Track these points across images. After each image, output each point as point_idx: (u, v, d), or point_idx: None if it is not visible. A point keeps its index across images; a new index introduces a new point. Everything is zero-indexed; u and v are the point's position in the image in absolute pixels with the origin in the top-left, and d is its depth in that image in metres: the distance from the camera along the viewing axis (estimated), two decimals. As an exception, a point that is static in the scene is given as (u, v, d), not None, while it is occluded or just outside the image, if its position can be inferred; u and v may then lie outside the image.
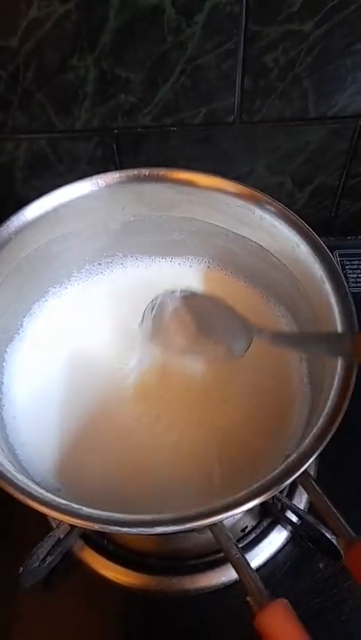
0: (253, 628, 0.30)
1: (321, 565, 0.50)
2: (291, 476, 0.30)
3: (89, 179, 0.45)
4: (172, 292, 0.47)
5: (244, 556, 0.29)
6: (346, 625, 0.48)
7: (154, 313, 0.47)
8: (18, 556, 0.44)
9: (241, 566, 0.29)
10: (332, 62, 0.54)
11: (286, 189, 0.68)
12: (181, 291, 0.47)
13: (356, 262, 0.71)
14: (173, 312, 0.46)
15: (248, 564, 0.29)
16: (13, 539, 0.52)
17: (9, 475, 0.31)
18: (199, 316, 0.46)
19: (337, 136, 0.62)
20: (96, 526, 0.29)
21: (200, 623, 0.48)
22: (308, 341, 0.41)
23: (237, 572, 0.29)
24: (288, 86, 0.56)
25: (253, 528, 0.50)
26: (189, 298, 0.47)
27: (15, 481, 0.31)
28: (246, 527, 0.50)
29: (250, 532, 0.50)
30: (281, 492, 0.49)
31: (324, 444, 0.32)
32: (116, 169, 0.63)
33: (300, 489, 0.52)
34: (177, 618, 0.48)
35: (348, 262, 0.71)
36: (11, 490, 0.30)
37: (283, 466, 0.32)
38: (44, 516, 0.50)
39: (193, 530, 0.30)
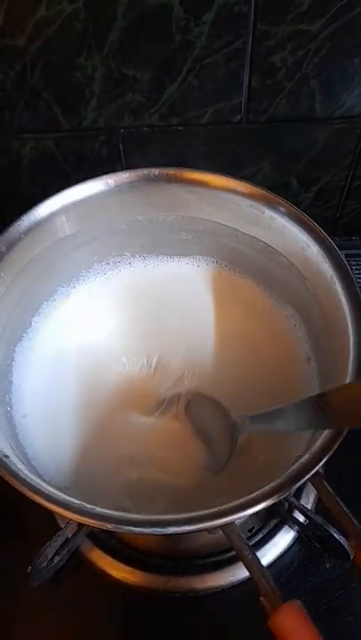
0: (261, 628, 0.30)
1: (328, 566, 0.50)
2: (304, 476, 0.30)
3: (99, 178, 0.45)
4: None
5: (256, 556, 0.29)
6: (353, 625, 0.47)
7: None
8: (25, 556, 0.44)
9: (254, 566, 0.29)
10: (340, 63, 0.54)
11: (292, 189, 0.68)
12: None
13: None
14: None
15: (261, 564, 0.29)
16: (21, 538, 0.52)
17: (22, 474, 0.31)
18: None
19: (343, 136, 0.62)
20: (109, 526, 0.29)
21: (207, 623, 0.48)
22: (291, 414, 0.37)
23: (250, 572, 0.29)
24: (295, 86, 0.56)
25: (261, 528, 0.50)
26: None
27: (29, 481, 0.31)
28: (253, 527, 0.50)
29: (257, 533, 0.50)
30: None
31: (337, 444, 0.32)
32: (122, 168, 0.63)
33: (308, 489, 0.52)
34: (184, 617, 0.48)
35: (353, 262, 0.72)
36: (25, 490, 0.30)
37: (295, 466, 0.32)
38: (52, 515, 0.50)
39: (205, 530, 0.30)
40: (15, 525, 0.52)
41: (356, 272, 0.71)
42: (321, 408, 0.31)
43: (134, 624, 0.48)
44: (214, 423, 0.43)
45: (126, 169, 0.59)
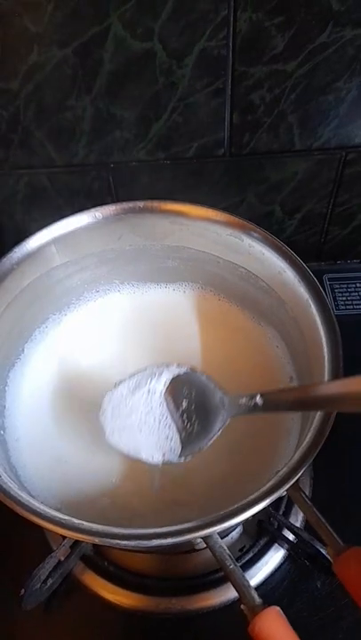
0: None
1: (318, 584, 0.51)
2: (282, 488, 0.31)
3: (87, 211, 0.48)
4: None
5: (237, 566, 0.30)
6: (344, 642, 0.48)
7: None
8: (17, 579, 0.44)
9: (234, 576, 0.30)
10: (315, 99, 0.57)
11: (276, 217, 0.71)
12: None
13: (345, 285, 0.74)
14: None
15: (242, 574, 0.30)
16: (12, 561, 0.52)
17: (12, 492, 0.33)
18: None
19: (323, 166, 0.65)
20: (96, 540, 0.30)
21: (200, 643, 0.48)
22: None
23: (231, 582, 0.30)
24: (274, 121, 0.59)
25: (251, 547, 0.51)
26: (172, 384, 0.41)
27: (17, 496, 0.32)
28: (244, 547, 0.51)
29: (247, 552, 0.51)
30: (277, 510, 0.50)
31: (314, 455, 0.33)
32: (113, 201, 0.66)
33: (296, 507, 0.53)
34: (178, 638, 0.49)
35: (337, 286, 0.74)
36: (11, 503, 0.31)
37: (274, 479, 0.33)
38: (44, 537, 0.51)
39: (192, 543, 0.31)
40: (6, 548, 0.53)
41: (341, 295, 0.73)
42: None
43: (127, 646, 0.49)
44: (202, 402, 0.40)
45: (117, 201, 0.62)
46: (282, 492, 0.31)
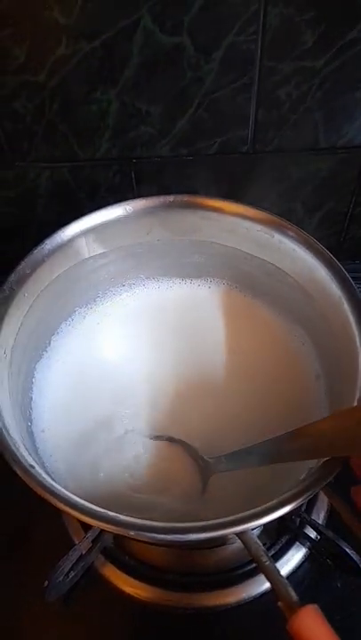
0: None
1: (339, 584, 0.50)
2: (319, 485, 0.31)
3: (118, 204, 0.47)
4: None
5: (273, 563, 0.30)
6: (366, 643, 0.48)
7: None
8: (39, 572, 0.44)
9: (271, 572, 0.30)
10: (342, 96, 0.57)
11: (297, 215, 0.71)
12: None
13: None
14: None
15: (278, 570, 0.30)
16: (34, 555, 0.52)
17: (48, 484, 0.33)
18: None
19: (346, 165, 0.64)
20: (132, 533, 0.30)
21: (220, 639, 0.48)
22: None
23: (268, 579, 0.30)
24: (300, 118, 0.59)
25: (272, 545, 0.51)
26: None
27: (52, 488, 0.32)
28: (265, 544, 0.51)
29: (269, 550, 0.51)
30: (300, 507, 0.50)
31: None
32: (134, 196, 0.65)
33: (318, 505, 0.52)
34: (197, 634, 0.49)
35: (357, 285, 0.73)
36: (51, 498, 0.31)
37: (308, 475, 0.33)
38: (65, 531, 0.51)
39: (224, 539, 0.31)
40: (26, 541, 0.53)
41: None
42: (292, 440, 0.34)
43: (147, 641, 0.49)
44: (183, 466, 0.46)
45: (138, 196, 0.62)
46: (318, 488, 0.31)
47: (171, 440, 0.48)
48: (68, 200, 0.67)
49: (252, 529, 0.31)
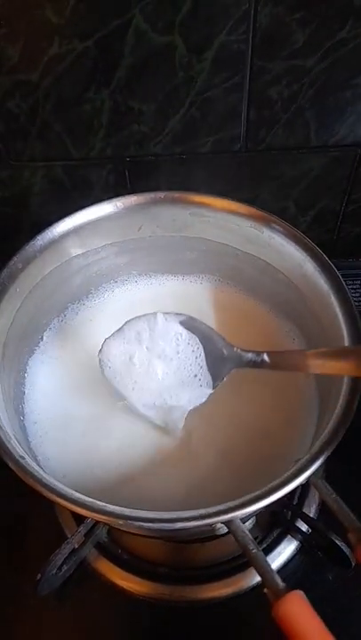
0: (267, 636, 0.31)
1: (330, 576, 0.51)
2: (305, 473, 0.32)
3: (108, 201, 0.48)
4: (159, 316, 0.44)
5: (260, 551, 0.31)
6: (356, 635, 0.48)
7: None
8: (31, 565, 0.45)
9: (257, 560, 0.30)
10: (333, 95, 0.57)
11: (290, 213, 0.71)
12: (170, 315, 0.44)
13: (359, 282, 0.74)
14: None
15: (264, 558, 0.31)
16: (27, 549, 0.52)
17: (37, 474, 0.33)
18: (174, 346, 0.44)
19: (338, 163, 0.65)
20: (120, 522, 0.31)
21: (212, 632, 0.49)
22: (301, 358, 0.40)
23: (254, 566, 0.31)
24: (291, 117, 0.59)
25: (264, 538, 0.51)
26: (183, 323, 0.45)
27: (42, 479, 0.33)
28: (257, 537, 0.51)
29: (260, 543, 0.51)
30: (291, 500, 0.50)
31: (335, 444, 0.33)
32: (128, 194, 0.66)
33: (310, 498, 0.53)
34: (189, 626, 0.49)
35: (350, 282, 0.74)
36: (37, 485, 0.32)
37: (296, 466, 0.33)
38: (58, 525, 0.51)
39: (214, 530, 0.31)
40: (19, 535, 0.53)
41: (353, 292, 0.73)
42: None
43: (140, 634, 0.49)
44: (208, 350, 0.43)
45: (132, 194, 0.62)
46: (306, 477, 0.32)
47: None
48: (63, 199, 0.68)
49: (240, 518, 0.31)
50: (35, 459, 0.40)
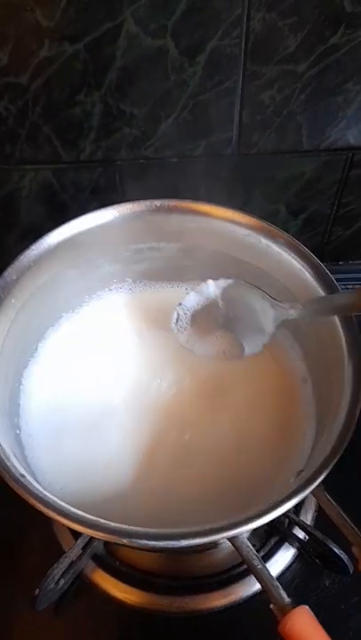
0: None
1: (327, 583, 0.51)
2: (309, 487, 0.31)
3: (104, 209, 0.47)
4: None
5: (265, 566, 0.31)
6: (354, 640, 0.48)
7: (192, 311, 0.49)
8: (28, 580, 0.44)
9: (263, 575, 0.30)
10: (325, 99, 0.58)
11: (281, 217, 0.71)
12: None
13: (351, 286, 0.74)
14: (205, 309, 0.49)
15: (270, 573, 0.30)
16: (21, 561, 0.52)
17: (38, 492, 0.32)
18: (229, 307, 0.49)
19: (329, 167, 0.65)
20: (125, 540, 0.30)
21: (212, 642, 0.49)
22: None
23: (259, 581, 0.30)
24: (283, 121, 0.59)
25: (261, 547, 0.51)
26: (225, 289, 0.49)
27: (43, 496, 0.32)
28: (255, 546, 0.51)
29: (258, 551, 0.50)
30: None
31: (338, 455, 0.33)
32: (119, 198, 0.65)
33: (306, 506, 0.53)
34: (187, 637, 0.49)
35: (341, 286, 0.74)
36: (38, 505, 0.31)
37: (298, 480, 0.33)
38: (55, 539, 0.51)
39: (216, 543, 0.31)
40: (17, 549, 0.52)
41: (344, 295, 0.73)
42: None
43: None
44: (254, 312, 0.46)
45: (123, 199, 0.61)
46: (310, 490, 0.31)
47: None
48: (52, 202, 0.67)
49: (244, 533, 0.31)
50: (32, 473, 0.40)
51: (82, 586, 0.50)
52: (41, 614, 0.46)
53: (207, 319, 0.49)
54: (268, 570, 0.30)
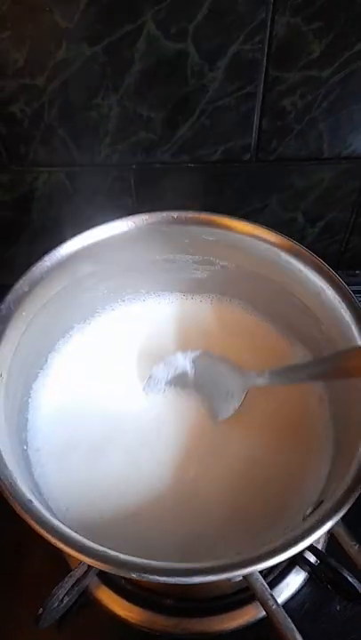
0: None
1: (338, 608, 0.50)
2: (328, 522, 0.30)
3: (120, 220, 0.46)
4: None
5: (280, 607, 0.29)
6: (364, 668, 0.47)
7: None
8: (31, 597, 0.43)
9: (278, 618, 0.29)
10: (348, 107, 0.56)
11: (298, 225, 0.70)
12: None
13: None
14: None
15: (285, 615, 0.29)
16: (27, 580, 0.51)
17: (49, 522, 0.31)
18: (199, 376, 0.50)
19: (349, 175, 0.63)
20: (134, 575, 0.29)
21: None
22: (311, 366, 0.44)
23: (274, 623, 0.29)
24: (304, 128, 0.58)
25: (271, 570, 0.50)
26: (194, 359, 0.50)
27: (53, 526, 0.31)
28: (264, 569, 0.50)
29: (268, 574, 0.50)
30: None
31: (359, 489, 0.32)
32: (133, 202, 0.64)
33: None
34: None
35: (358, 297, 0.72)
36: (51, 538, 0.30)
37: (319, 512, 0.32)
38: (61, 556, 0.50)
39: (229, 579, 0.30)
40: (22, 565, 0.51)
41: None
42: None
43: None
44: (224, 379, 0.48)
45: (137, 203, 0.60)
46: (330, 527, 0.30)
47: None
48: (65, 205, 0.66)
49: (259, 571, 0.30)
50: (38, 491, 0.38)
51: (86, 602, 0.49)
52: (43, 630, 0.45)
53: (181, 385, 0.50)
54: (283, 611, 0.29)
